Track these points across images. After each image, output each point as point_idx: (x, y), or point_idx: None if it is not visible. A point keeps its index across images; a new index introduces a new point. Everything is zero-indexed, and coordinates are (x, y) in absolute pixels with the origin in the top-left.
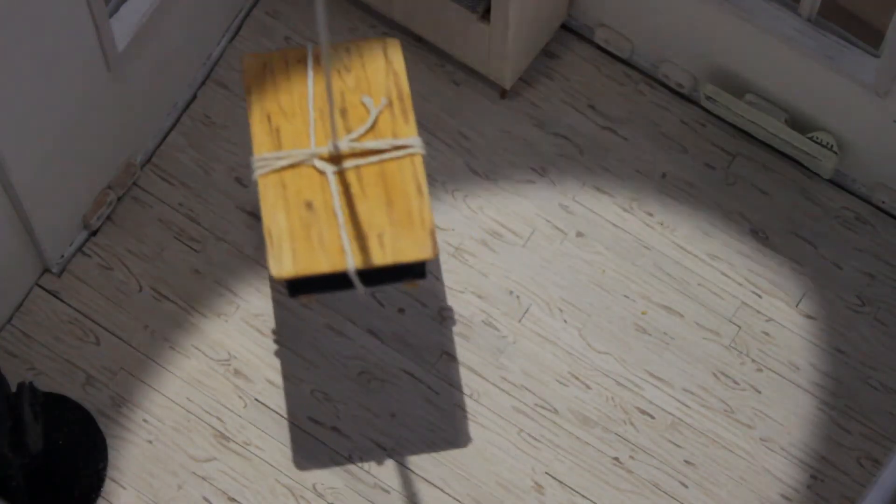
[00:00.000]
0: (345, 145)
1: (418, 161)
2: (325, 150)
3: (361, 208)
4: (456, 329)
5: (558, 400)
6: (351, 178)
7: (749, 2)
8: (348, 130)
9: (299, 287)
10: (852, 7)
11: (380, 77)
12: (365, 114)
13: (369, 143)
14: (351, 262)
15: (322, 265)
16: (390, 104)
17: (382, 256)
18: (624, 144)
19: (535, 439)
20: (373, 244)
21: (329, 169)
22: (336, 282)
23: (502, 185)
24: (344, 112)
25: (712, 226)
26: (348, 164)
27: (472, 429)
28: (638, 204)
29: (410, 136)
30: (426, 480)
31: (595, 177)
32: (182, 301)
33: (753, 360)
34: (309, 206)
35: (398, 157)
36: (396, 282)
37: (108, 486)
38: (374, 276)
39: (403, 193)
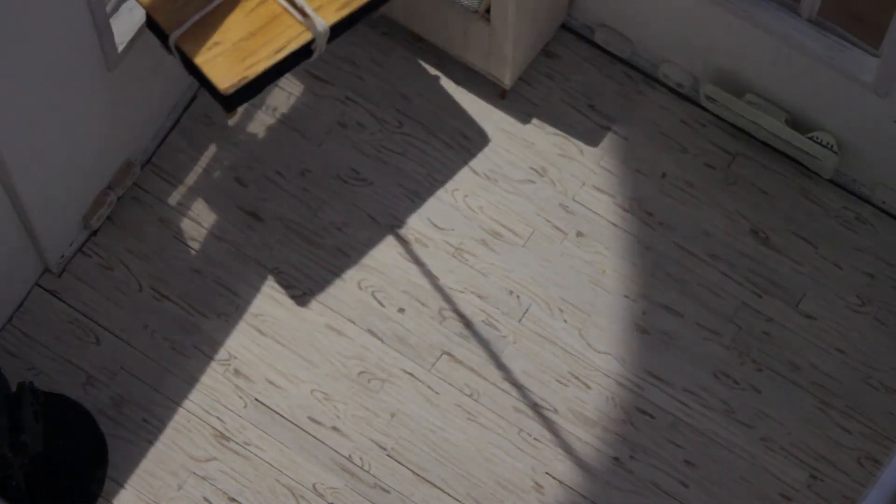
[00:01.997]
0: None
1: (303, 38)
2: None
3: (233, 18)
4: (456, 329)
5: (558, 400)
6: None
7: (749, 2)
8: None
9: (153, 26)
10: (852, 7)
11: None
12: None
13: None
14: (175, 35)
15: (160, 19)
16: None
17: (197, 56)
18: (624, 144)
19: (536, 439)
20: (204, 43)
21: None
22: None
23: (502, 185)
24: None
25: (712, 226)
26: None
27: (472, 429)
28: (638, 204)
29: (320, 20)
30: (426, 480)
31: (595, 177)
32: (182, 301)
33: (753, 360)
34: None
35: (295, 21)
36: (207, 90)
37: (108, 486)
38: (194, 70)
39: (265, 42)
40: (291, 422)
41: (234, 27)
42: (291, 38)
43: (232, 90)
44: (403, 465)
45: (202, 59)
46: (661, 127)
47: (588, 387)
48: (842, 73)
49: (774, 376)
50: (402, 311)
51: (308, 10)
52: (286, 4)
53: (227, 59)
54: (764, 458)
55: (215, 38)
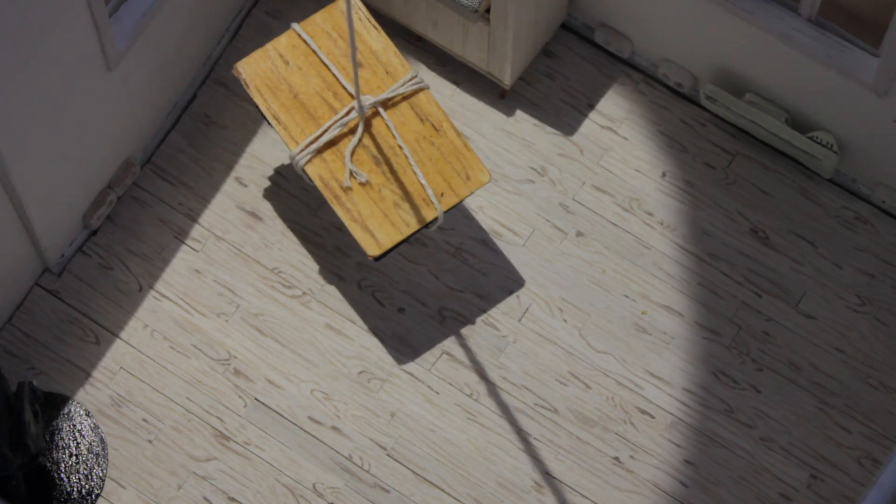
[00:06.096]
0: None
1: (286, 138)
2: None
3: (312, 81)
4: (456, 329)
5: (558, 400)
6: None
7: (749, 2)
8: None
9: None
10: (852, 7)
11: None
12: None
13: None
14: (295, 26)
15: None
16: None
17: (268, 46)
18: (624, 144)
19: (536, 439)
20: (286, 51)
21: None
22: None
23: (502, 185)
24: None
25: (712, 226)
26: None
27: (472, 429)
28: (638, 204)
29: (301, 156)
30: (426, 480)
31: (595, 177)
32: (182, 301)
33: (753, 360)
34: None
35: (306, 129)
36: None
37: (108, 486)
38: None
39: (290, 107)
40: (291, 422)
41: (303, 79)
42: (291, 130)
43: (239, 76)
44: (403, 465)
45: (267, 48)
46: (661, 127)
47: (588, 387)
48: (842, 73)
49: (774, 376)
50: (402, 311)
51: (313, 148)
52: (325, 131)
53: (268, 75)
54: (764, 457)
55: (294, 61)
